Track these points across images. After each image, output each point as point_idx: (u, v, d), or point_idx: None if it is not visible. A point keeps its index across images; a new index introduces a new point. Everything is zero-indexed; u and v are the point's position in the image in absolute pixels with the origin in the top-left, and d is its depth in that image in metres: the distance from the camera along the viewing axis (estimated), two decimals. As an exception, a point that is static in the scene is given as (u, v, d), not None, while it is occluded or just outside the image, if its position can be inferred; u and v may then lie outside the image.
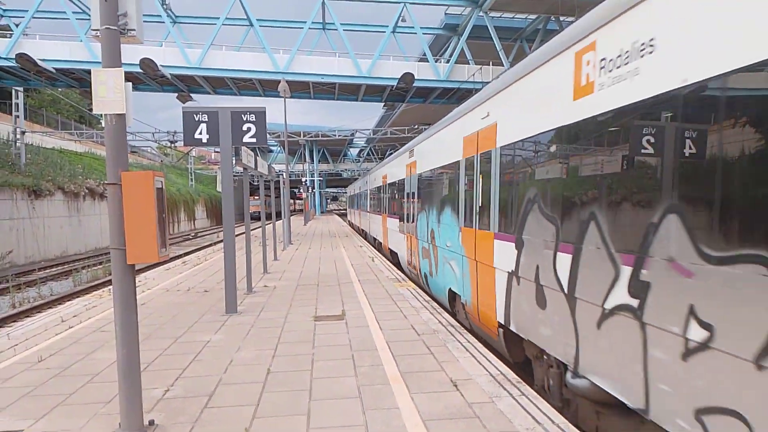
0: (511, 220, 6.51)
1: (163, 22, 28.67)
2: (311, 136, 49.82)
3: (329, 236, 29.76)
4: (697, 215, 3.32)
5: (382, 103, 37.46)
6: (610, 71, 4.34)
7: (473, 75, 29.28)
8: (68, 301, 14.29)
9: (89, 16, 4.30)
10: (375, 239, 25.67)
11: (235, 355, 6.64)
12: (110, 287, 10.11)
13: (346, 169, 79.27)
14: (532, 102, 6.00)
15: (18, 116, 31.04)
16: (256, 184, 16.56)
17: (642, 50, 3.92)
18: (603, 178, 4.40)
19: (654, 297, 3.76)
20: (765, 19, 2.81)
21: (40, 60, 25.68)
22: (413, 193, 13.77)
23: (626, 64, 4.13)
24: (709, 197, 3.22)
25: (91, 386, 5.60)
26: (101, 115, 4.17)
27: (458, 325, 8.10)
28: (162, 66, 27.04)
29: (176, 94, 31.90)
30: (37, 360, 6.56)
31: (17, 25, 27.52)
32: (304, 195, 55.97)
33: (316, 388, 5.38)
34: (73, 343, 7.37)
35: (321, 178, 74.93)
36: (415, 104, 35.15)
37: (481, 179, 7.82)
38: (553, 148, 5.40)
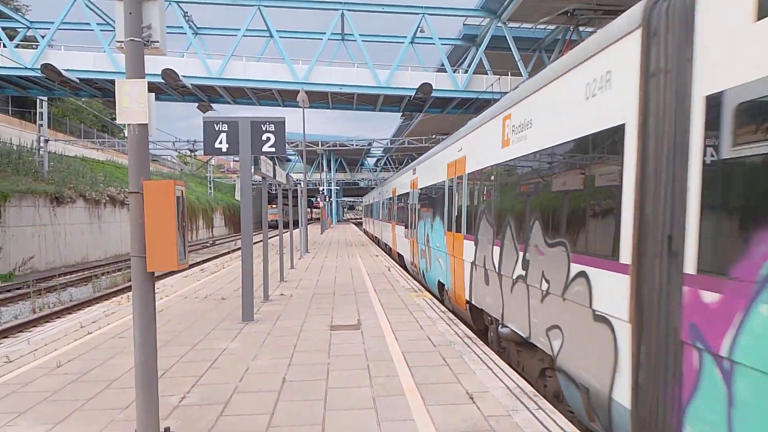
0: (472, 225, 9.34)
1: (185, 34, 29.12)
2: (329, 146, 50.07)
3: (345, 245, 29.81)
4: (545, 221, 6.01)
5: (400, 113, 37.57)
6: (516, 134, 7.11)
7: (491, 85, 29.27)
8: (87, 307, 14.46)
9: (113, 27, 4.40)
10: (386, 245, 28.60)
11: (251, 363, 6.67)
12: (129, 293, 10.23)
13: (363, 179, 79.50)
14: (483, 145, 8.81)
15: (42, 125, 31.66)
16: (274, 192, 16.70)
17: (528, 125, 6.67)
18: (512, 198, 7.24)
19: (531, 268, 6.44)
20: (565, 122, 5.54)
21: (65, 70, 26.20)
22: (415, 205, 16.57)
23: (522, 131, 6.88)
24: (547, 211, 5.97)
25: (108, 392, 5.65)
26: (124, 124, 4.24)
27: (475, 336, 8.05)
28: (183, 76, 27.43)
29: (197, 104, 32.33)
30: (55, 365, 6.65)
31: (43, 37, 28.14)
32: (321, 204, 56.17)
33: (331, 397, 5.38)
34: (92, 349, 7.45)
35: (338, 187, 75.24)
36: (433, 114, 35.19)
37: (457, 195, 10.69)
38: (492, 178, 8.20)
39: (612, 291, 4.50)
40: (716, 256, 3.39)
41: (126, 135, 4.35)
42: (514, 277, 6.98)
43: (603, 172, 4.81)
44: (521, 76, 28.77)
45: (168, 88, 29.54)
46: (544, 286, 5.96)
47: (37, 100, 32.06)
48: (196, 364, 6.64)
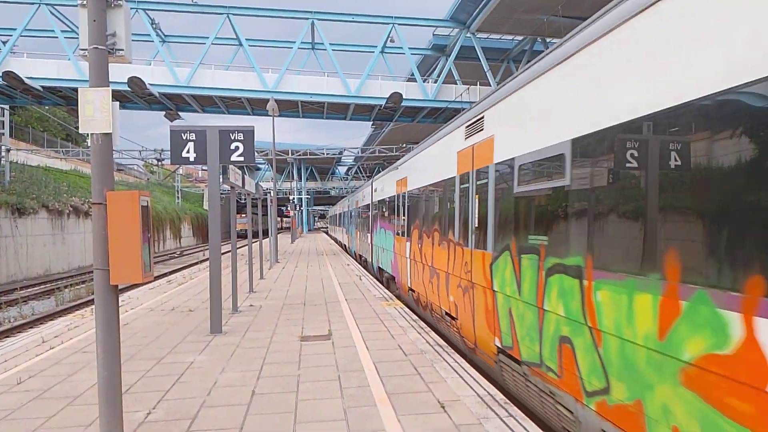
0: (362, 225, 24.12)
1: (152, 41, 28.74)
2: (299, 155, 49.89)
3: (316, 254, 29.66)
4: (363, 222, 23.82)
5: (371, 122, 37.65)
6: (354, 200, 30.31)
7: (461, 95, 29.58)
8: (50, 321, 14.06)
9: (78, 34, 4.30)
10: (337, 240, 46.39)
11: (219, 376, 6.55)
12: (93, 307, 9.98)
13: (334, 187, 79.34)
14: (359, 198, 26.28)
15: (3, 134, 30.76)
16: (243, 201, 16.62)
17: (359, 198, 25.90)
18: (355, 216, 27.91)
19: (360, 235, 25.18)
20: (363, 199, 24.46)
21: (27, 78, 25.57)
22: (348, 218, 32.72)
23: (358, 198, 27.90)
24: (360, 219, 25.06)
25: (71, 409, 5.49)
26: (87, 133, 4.15)
27: (446, 345, 8.06)
28: (150, 84, 27.04)
29: (164, 113, 31.87)
30: (15, 382, 6.43)
31: (5, 43, 27.42)
32: (291, 213, 55.79)
33: (301, 410, 5.32)
34: (54, 365, 7.23)
35: (309, 196, 74.91)
36: (404, 123, 35.36)
37: (355, 214, 27.86)
38: (358, 212, 26.12)
39: (368, 237, 21.02)
40: (357, 231, 26.90)
41: (89, 144, 4.25)
42: (359, 240, 25.02)
43: (364, 210, 23.29)
44: (490, 86, 29.16)
45: (134, 96, 29.08)
46: (365, 240, 22.01)
47: (-2, 108, 31.16)
48: (162, 379, 6.49)
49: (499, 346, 6.46)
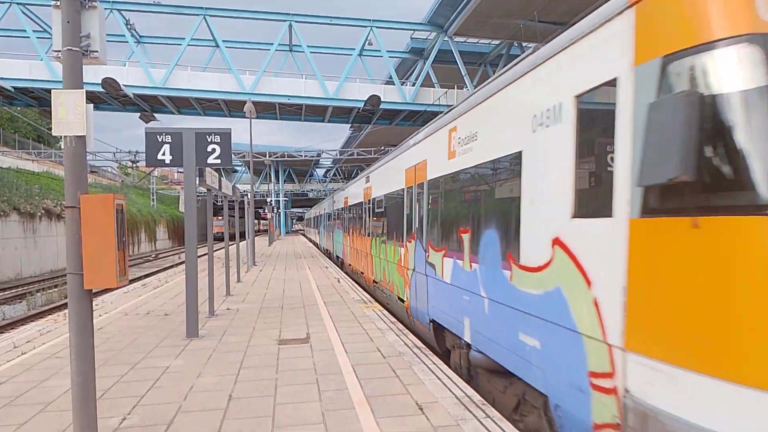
0: (331, 227, 29.34)
1: (127, 42, 28.36)
2: (277, 157, 49.61)
3: (294, 257, 29.50)
4: (328, 224, 32.45)
5: (349, 125, 37.64)
6: (318, 210, 45.41)
7: (438, 99, 29.75)
8: (21, 325, 13.77)
9: (51, 34, 4.24)
10: (312, 240, 55.65)
11: (195, 381, 6.49)
12: (66, 311, 9.78)
13: (312, 190, 79.00)
14: (327, 206, 32.72)
15: (-28, 134, 30.06)
16: (220, 204, 16.52)
17: (335, 202, 27.51)
18: (325, 220, 34.57)
19: (326, 235, 34.06)
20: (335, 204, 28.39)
21: (-2, 77, 25.03)
22: (322, 221, 38.38)
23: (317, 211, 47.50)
24: (325, 224, 35.73)
25: (43, 416, 5.39)
26: (60, 135, 4.09)
27: (424, 346, 8.10)
28: (125, 86, 26.68)
29: (139, 114, 31.46)
30: (-14, 389, 6.29)
31: (-26, 42, 26.83)
32: (269, 215, 55.33)
33: (279, 414, 5.29)
34: (25, 371, 7.09)
35: (287, 199, 74.49)
36: (382, 126, 35.43)
37: (330, 218, 30.19)
38: (329, 217, 30.75)
39: (331, 235, 28.66)
40: (325, 231, 35.23)
41: (62, 146, 4.19)
42: (326, 238, 33.05)
43: (328, 216, 32.10)
44: (468, 89, 29.38)
45: (109, 97, 28.67)
46: (330, 238, 29.34)
47: (-33, 109, 30.46)
48: (138, 384, 6.40)
49: (373, 279, 14.50)
